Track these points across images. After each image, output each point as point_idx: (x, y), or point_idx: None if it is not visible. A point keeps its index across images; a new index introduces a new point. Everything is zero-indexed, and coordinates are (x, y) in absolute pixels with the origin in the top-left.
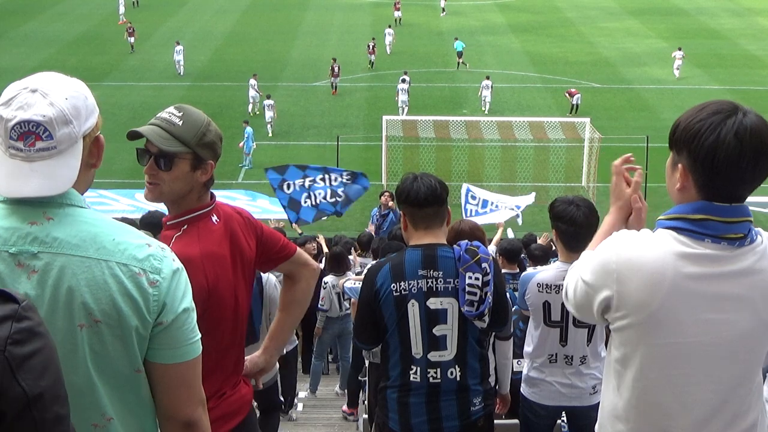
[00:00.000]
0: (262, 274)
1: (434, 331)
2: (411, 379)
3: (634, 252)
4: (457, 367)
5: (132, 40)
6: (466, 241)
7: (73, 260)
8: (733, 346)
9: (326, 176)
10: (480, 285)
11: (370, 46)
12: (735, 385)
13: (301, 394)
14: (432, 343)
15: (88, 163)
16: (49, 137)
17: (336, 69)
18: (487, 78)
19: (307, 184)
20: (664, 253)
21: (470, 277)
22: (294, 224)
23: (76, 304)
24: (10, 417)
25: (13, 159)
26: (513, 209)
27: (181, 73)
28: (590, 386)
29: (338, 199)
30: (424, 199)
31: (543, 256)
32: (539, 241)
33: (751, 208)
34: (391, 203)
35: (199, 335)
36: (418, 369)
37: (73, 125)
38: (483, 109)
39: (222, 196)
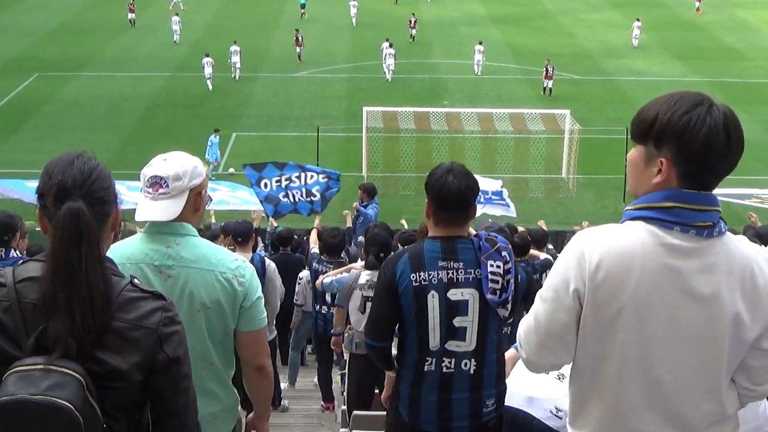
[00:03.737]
0: (266, 259)
1: (454, 322)
2: (425, 369)
3: (604, 245)
4: (473, 360)
5: (132, 16)
6: (484, 231)
7: (192, 270)
8: (699, 344)
9: (302, 174)
10: (502, 273)
11: (412, 21)
12: (705, 387)
13: (281, 386)
14: (451, 333)
15: (195, 208)
16: (167, 186)
17: (300, 38)
18: (480, 43)
19: (284, 183)
20: (633, 244)
21: (492, 266)
22: (271, 218)
23: (195, 298)
24: (157, 372)
25: (146, 198)
26: (503, 205)
27: (176, 41)
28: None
29: (313, 198)
30: (451, 206)
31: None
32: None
33: (728, 200)
34: (360, 204)
35: (266, 313)
36: (434, 360)
37: (183, 181)
38: (476, 72)
39: None
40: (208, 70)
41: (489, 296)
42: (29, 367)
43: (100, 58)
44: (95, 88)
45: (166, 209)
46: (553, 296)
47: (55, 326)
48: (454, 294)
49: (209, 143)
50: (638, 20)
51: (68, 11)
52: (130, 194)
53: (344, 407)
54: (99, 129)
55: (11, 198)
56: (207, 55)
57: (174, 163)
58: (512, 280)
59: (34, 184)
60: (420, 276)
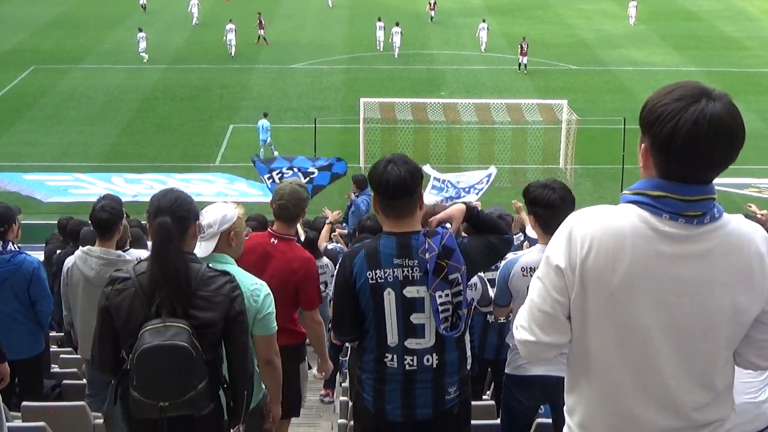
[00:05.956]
0: None
1: (411, 319)
2: (387, 365)
3: (595, 225)
4: (434, 354)
5: (144, 1)
6: (436, 252)
7: None
8: (691, 331)
9: (311, 163)
10: (451, 299)
11: (432, 3)
12: (700, 373)
13: None
14: (409, 330)
15: (228, 244)
16: (203, 231)
17: (262, 21)
18: (484, 21)
19: (289, 174)
20: (623, 225)
21: (440, 296)
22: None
23: None
24: (230, 320)
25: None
26: (476, 190)
27: (195, 23)
28: None
29: (312, 176)
30: (392, 193)
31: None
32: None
33: (725, 189)
34: (352, 194)
35: (275, 323)
36: (395, 356)
37: (213, 228)
38: (480, 49)
39: (199, 179)
40: (142, 45)
41: (442, 327)
42: (156, 325)
43: (97, 50)
44: (92, 80)
45: (203, 248)
46: (545, 275)
47: (162, 298)
48: (409, 291)
49: (258, 128)
50: (634, 0)
51: (64, 3)
52: (126, 186)
53: (343, 398)
54: (96, 121)
55: (8, 191)
56: (140, 30)
57: (207, 216)
58: (464, 306)
59: (31, 177)
60: (376, 274)
